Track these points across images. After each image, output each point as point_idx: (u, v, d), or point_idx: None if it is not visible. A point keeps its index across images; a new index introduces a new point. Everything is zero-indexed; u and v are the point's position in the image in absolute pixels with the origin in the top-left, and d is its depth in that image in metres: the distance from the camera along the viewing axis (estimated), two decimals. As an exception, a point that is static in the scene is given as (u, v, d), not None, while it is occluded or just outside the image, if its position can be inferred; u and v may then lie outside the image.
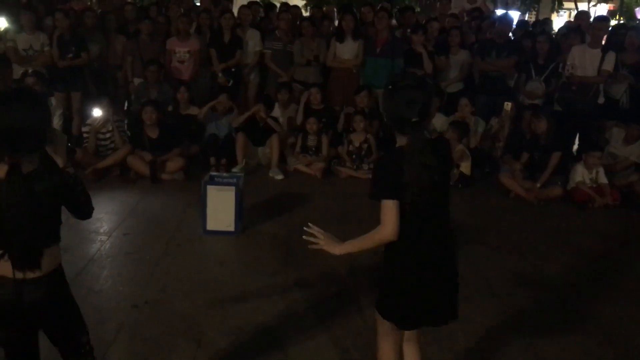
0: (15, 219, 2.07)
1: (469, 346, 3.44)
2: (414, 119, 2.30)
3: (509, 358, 3.37)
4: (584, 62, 6.92)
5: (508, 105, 6.98)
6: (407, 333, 2.60)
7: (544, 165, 6.44)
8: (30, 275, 2.13)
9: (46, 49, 7.05)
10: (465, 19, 8.95)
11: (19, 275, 2.12)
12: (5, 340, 2.23)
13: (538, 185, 6.38)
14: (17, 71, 6.92)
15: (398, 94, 2.33)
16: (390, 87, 2.37)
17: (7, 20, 6.93)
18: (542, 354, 3.42)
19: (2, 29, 6.93)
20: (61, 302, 2.27)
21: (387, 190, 2.31)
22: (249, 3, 8.90)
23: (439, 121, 7.05)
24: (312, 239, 2.48)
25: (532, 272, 4.56)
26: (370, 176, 6.49)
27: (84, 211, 2.30)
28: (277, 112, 7.37)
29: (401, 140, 2.39)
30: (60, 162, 2.29)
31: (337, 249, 2.44)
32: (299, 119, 7.39)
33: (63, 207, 2.24)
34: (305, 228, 2.49)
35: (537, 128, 6.49)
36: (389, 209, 2.30)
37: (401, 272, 2.41)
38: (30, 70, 6.55)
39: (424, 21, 8.63)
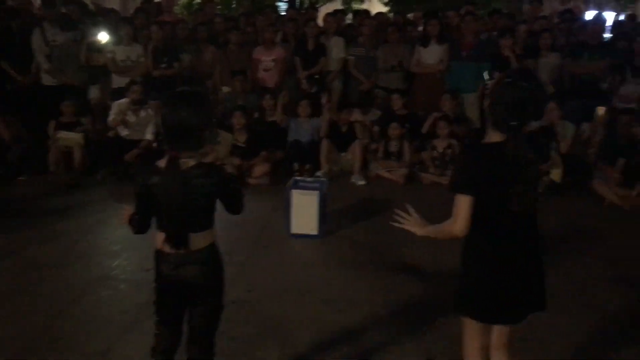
0: (170, 207, 2.31)
1: (565, 358, 3.32)
2: (514, 122, 2.22)
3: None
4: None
5: (601, 110, 6.68)
6: (494, 339, 2.52)
7: (641, 172, 6.10)
8: (184, 250, 2.35)
9: (142, 59, 7.42)
10: (556, 20, 8.65)
11: (176, 251, 2.34)
12: (162, 307, 2.48)
13: (635, 193, 6.05)
14: (117, 81, 7.33)
15: (506, 90, 2.27)
16: (505, 81, 2.31)
17: (107, 33, 7.36)
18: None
19: (102, 42, 7.37)
20: (213, 278, 2.46)
21: (463, 184, 2.27)
22: (334, 11, 9.02)
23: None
24: (399, 219, 2.49)
25: (627, 280, 4.33)
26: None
27: (236, 207, 2.50)
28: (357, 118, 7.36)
29: (493, 137, 2.31)
30: (228, 162, 2.48)
31: (420, 230, 2.45)
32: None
33: None
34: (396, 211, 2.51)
35: (637, 133, 6.17)
36: (461, 205, 2.26)
37: (481, 266, 2.35)
38: (139, 79, 6.95)
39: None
